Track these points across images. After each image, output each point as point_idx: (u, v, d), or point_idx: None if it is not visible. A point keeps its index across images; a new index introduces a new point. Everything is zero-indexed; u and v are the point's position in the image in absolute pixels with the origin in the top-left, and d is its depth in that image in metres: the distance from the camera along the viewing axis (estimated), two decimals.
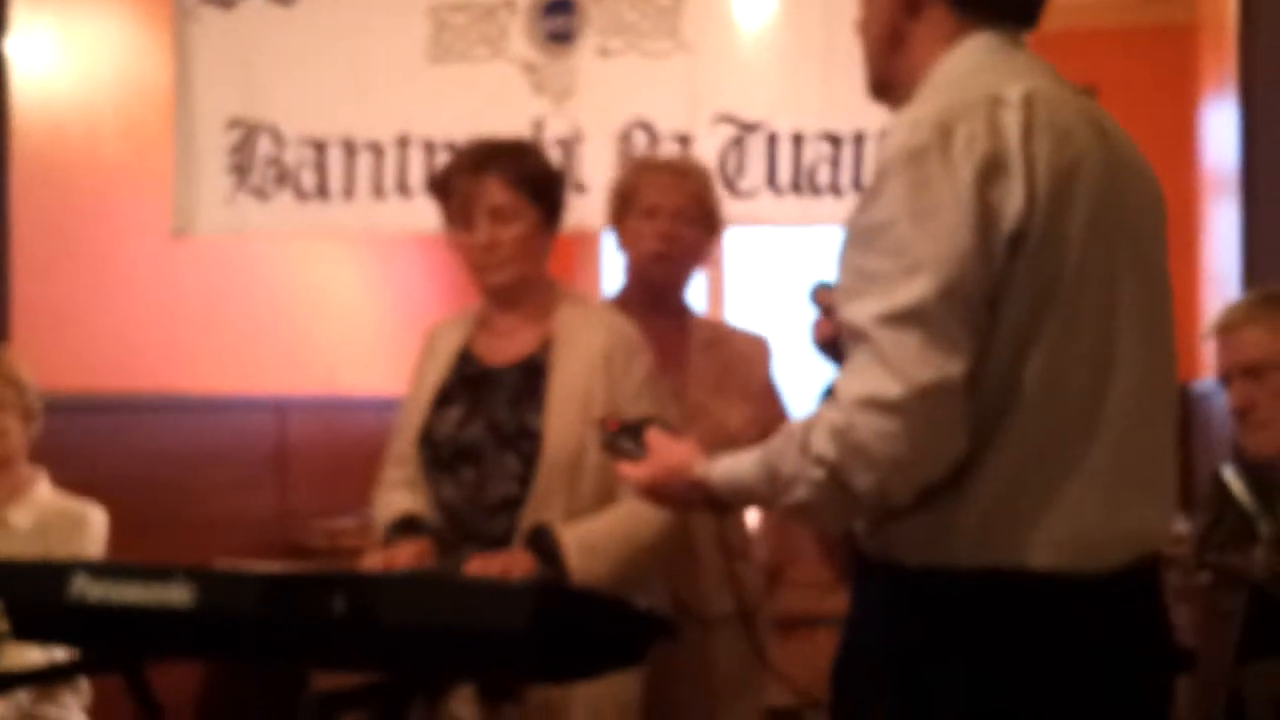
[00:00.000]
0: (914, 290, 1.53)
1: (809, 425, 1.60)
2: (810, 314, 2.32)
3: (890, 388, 1.53)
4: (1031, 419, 1.59)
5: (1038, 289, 1.57)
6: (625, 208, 2.85)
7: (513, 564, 2.24)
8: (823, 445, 1.56)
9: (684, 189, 2.83)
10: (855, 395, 1.55)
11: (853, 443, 1.54)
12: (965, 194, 1.54)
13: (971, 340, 1.55)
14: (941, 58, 1.70)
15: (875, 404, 1.53)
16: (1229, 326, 2.58)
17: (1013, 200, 1.55)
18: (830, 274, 2.33)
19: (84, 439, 3.71)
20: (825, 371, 2.26)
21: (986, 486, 1.59)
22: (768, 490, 1.65)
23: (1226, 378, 2.58)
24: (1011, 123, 1.57)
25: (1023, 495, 1.60)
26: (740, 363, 2.89)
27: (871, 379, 1.54)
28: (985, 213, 1.54)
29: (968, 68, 1.68)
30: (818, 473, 1.57)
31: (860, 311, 1.57)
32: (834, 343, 2.22)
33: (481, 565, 2.25)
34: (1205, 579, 2.50)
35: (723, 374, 2.86)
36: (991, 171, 1.55)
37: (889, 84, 1.79)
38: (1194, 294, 4.59)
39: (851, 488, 1.56)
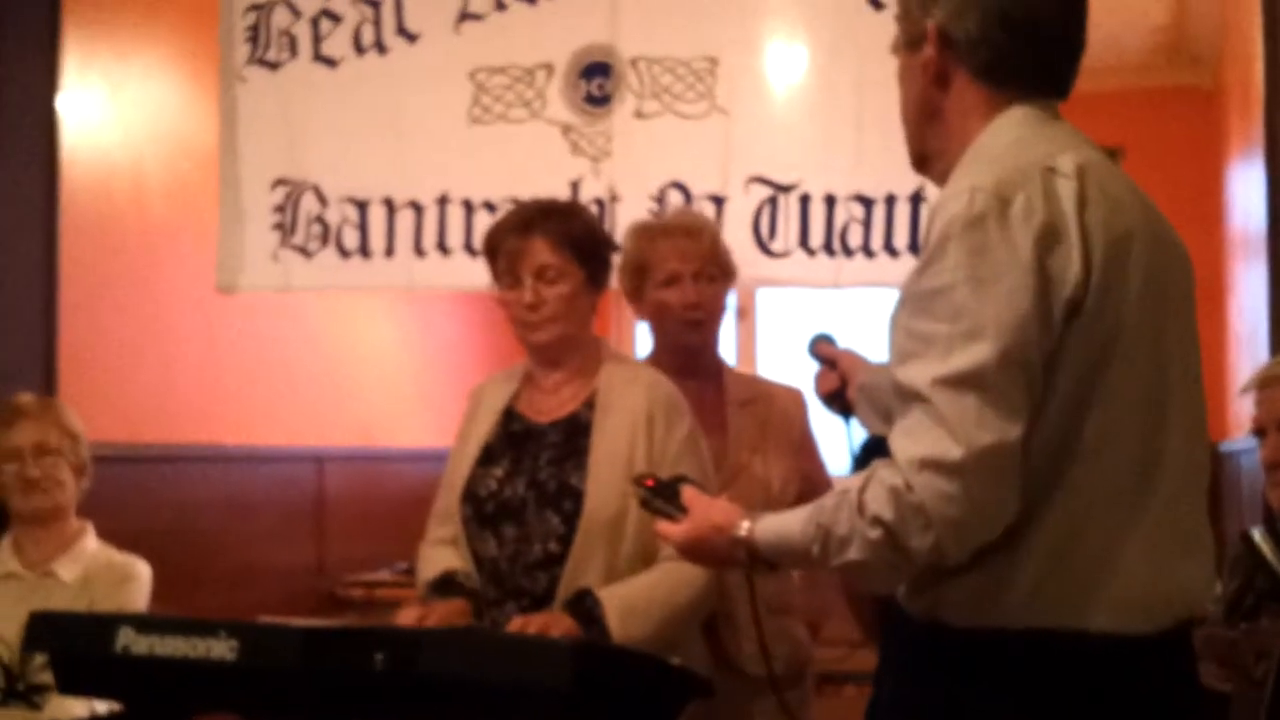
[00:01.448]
0: (974, 354, 1.56)
1: (863, 485, 1.61)
2: (812, 367, 2.36)
3: (950, 450, 1.54)
4: (1085, 480, 1.61)
5: (1092, 354, 1.60)
6: (641, 279, 2.84)
7: (553, 624, 2.25)
8: (879, 506, 1.58)
9: (698, 251, 2.83)
10: (914, 456, 1.57)
11: (911, 504, 1.56)
12: (1025, 261, 1.57)
13: (1028, 404, 1.58)
14: (981, 130, 1.74)
15: (934, 465, 1.55)
16: (1269, 381, 2.59)
17: (1070, 268, 1.58)
18: (831, 328, 2.37)
19: (126, 490, 3.76)
20: (841, 423, 2.29)
21: (1040, 547, 1.61)
22: (819, 550, 1.66)
23: (1262, 430, 2.58)
24: (1067, 193, 1.61)
25: (1077, 556, 1.61)
26: (779, 418, 2.89)
27: (930, 441, 1.56)
28: (1044, 279, 1.57)
29: (1012, 139, 1.71)
30: (874, 533, 1.59)
31: (917, 374, 1.59)
32: (838, 395, 2.25)
33: (522, 624, 2.25)
34: (1237, 638, 2.49)
35: (762, 431, 2.86)
36: (1049, 240, 1.58)
37: (929, 156, 1.83)
38: (1222, 354, 4.61)
39: (908, 548, 1.58)
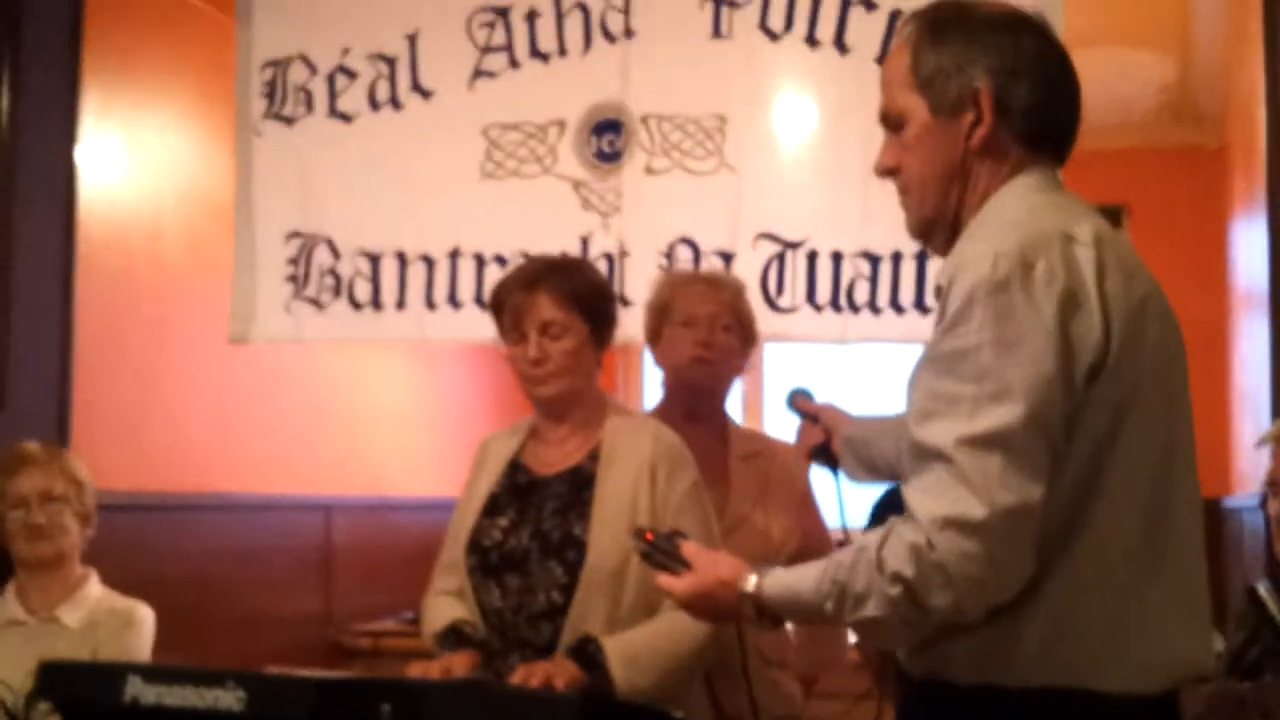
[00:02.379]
0: (1000, 415, 1.58)
1: (882, 542, 1.63)
2: (794, 422, 2.38)
3: (973, 509, 1.57)
4: (1098, 540, 1.63)
5: (1109, 418, 1.63)
6: (662, 321, 2.92)
7: (557, 673, 2.26)
8: (900, 563, 1.60)
9: (719, 299, 2.90)
10: (936, 515, 1.58)
11: (932, 561, 1.58)
12: (1048, 325, 1.60)
13: (1049, 465, 1.60)
14: (992, 194, 1.76)
15: (957, 524, 1.57)
16: None
17: (1091, 334, 1.61)
18: (811, 382, 2.41)
19: (137, 538, 3.78)
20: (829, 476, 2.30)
21: (1052, 606, 1.63)
22: (833, 606, 1.68)
23: (1274, 485, 2.60)
24: (1086, 260, 1.64)
25: (1088, 616, 1.64)
26: (780, 473, 2.92)
27: (953, 499, 1.58)
28: (1066, 344, 1.60)
29: (1028, 206, 1.73)
30: (894, 590, 1.61)
31: (940, 433, 1.61)
32: (824, 449, 2.29)
33: (526, 673, 2.27)
34: (1244, 695, 2.50)
35: (764, 485, 2.90)
36: (1071, 305, 1.61)
37: (940, 222, 1.81)
38: (1225, 411, 4.62)
39: (927, 606, 1.60)
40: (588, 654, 2.33)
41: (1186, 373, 1.77)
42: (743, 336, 2.94)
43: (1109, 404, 1.63)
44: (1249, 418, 4.02)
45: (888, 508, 1.78)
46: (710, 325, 2.87)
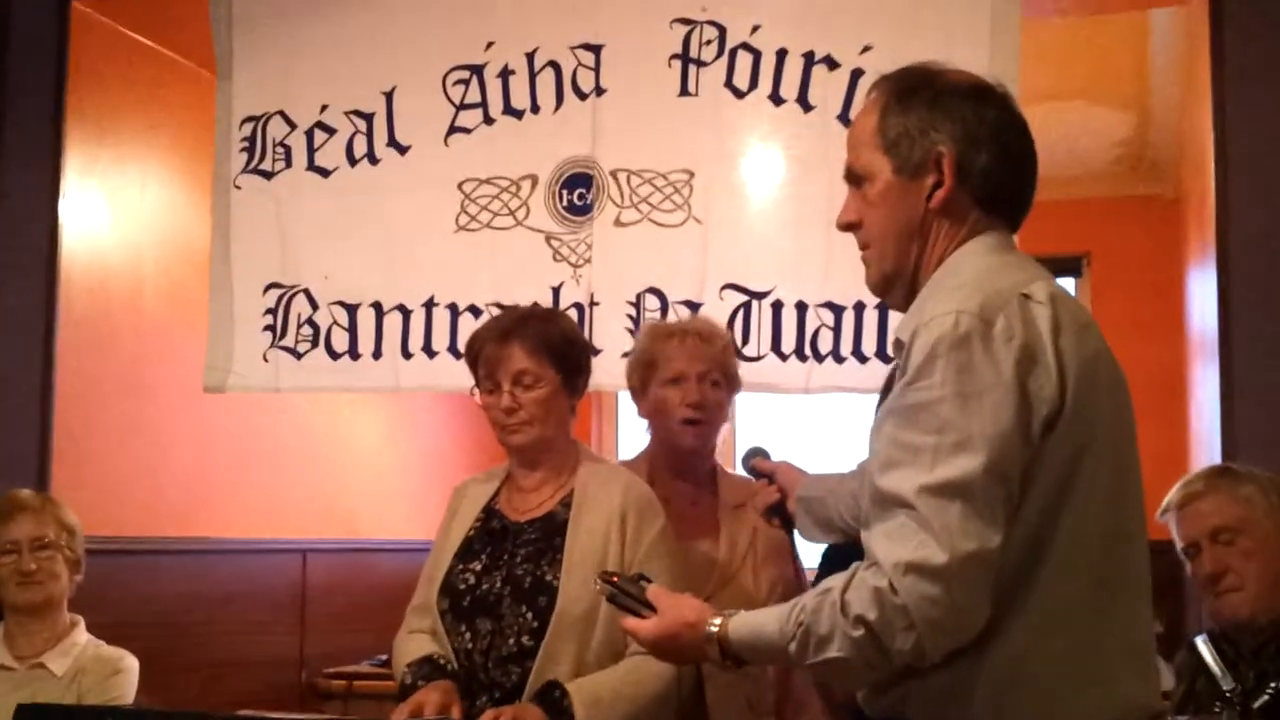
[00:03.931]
0: (961, 465, 1.64)
1: (845, 586, 1.69)
2: (751, 480, 2.42)
3: (935, 554, 1.63)
4: (1051, 585, 1.69)
5: (1064, 468, 1.70)
6: (649, 375, 2.93)
7: (522, 717, 2.31)
8: (863, 606, 1.66)
9: (708, 355, 2.92)
10: (898, 560, 1.64)
11: (895, 605, 1.64)
12: (1007, 379, 1.67)
13: (1006, 514, 1.66)
14: (949, 252, 1.84)
15: (919, 569, 1.63)
16: (1189, 498, 2.65)
17: (1047, 388, 1.68)
18: (774, 432, 2.46)
19: (115, 582, 3.80)
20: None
21: (1007, 648, 1.69)
22: (797, 648, 1.73)
23: (1193, 548, 2.63)
24: (1042, 318, 1.71)
25: (1042, 658, 1.69)
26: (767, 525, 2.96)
27: (914, 545, 1.64)
28: (1024, 397, 1.67)
29: (985, 266, 1.80)
30: (857, 632, 1.66)
31: (903, 481, 1.67)
32: (779, 507, 2.34)
33: (492, 717, 2.31)
34: None
35: (752, 536, 2.91)
36: (1028, 361, 1.68)
37: (899, 277, 1.87)
38: (1183, 453, 4.69)
39: (889, 648, 1.66)
40: (553, 699, 2.37)
41: (1134, 424, 1.83)
42: (729, 388, 2.96)
43: (1063, 454, 1.69)
44: (1205, 462, 4.10)
45: (834, 560, 1.82)
46: (700, 383, 2.88)
